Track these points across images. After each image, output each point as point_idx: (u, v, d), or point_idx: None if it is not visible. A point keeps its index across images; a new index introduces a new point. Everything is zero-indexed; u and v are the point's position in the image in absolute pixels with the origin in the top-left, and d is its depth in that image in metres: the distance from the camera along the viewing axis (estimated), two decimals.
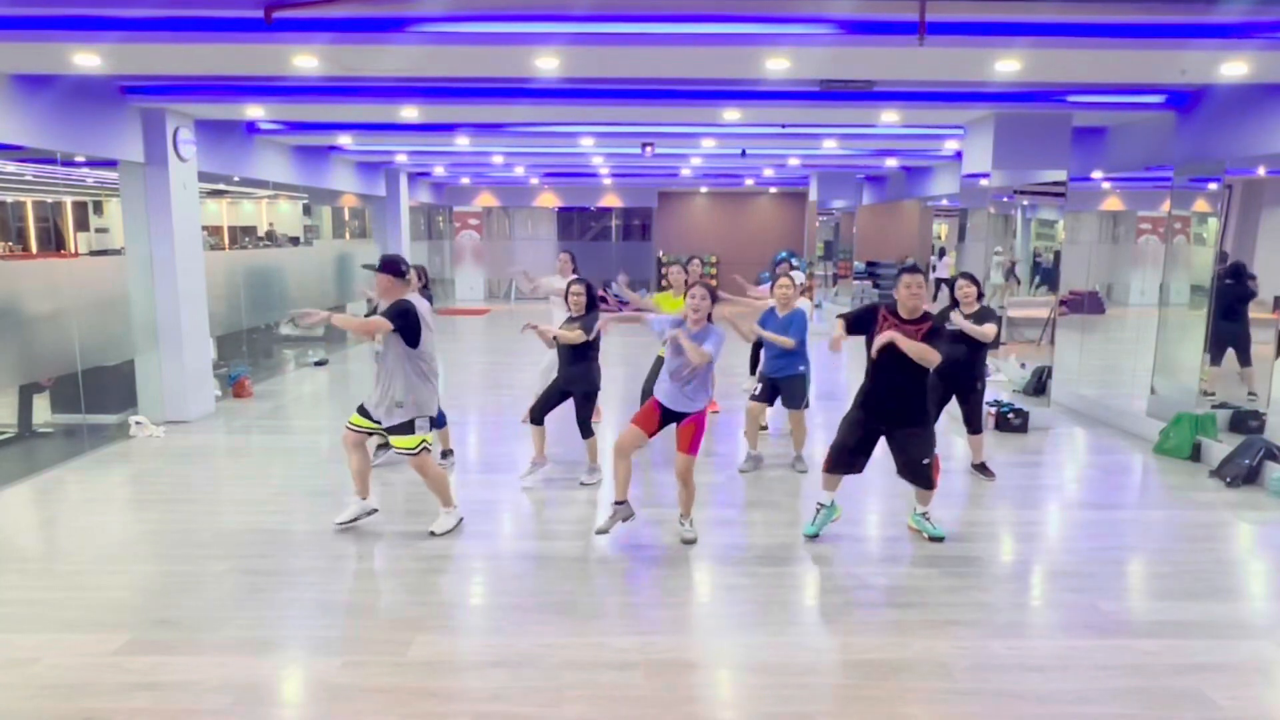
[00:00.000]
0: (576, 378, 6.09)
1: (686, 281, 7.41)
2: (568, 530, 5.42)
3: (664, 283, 7.78)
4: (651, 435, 5.08)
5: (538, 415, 6.19)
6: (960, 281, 6.41)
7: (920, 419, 5.01)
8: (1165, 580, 4.71)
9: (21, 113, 6.37)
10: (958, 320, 6.15)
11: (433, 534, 5.20)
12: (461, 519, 5.38)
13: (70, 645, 3.89)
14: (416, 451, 5.09)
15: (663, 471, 6.48)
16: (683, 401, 4.96)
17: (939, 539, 5.15)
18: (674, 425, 5.03)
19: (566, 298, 6.18)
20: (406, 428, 5.04)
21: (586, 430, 6.22)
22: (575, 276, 6.48)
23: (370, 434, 5.23)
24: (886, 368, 4.85)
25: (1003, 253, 8.56)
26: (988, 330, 6.08)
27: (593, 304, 6.06)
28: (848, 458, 5.08)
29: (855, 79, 6.48)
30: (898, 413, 4.96)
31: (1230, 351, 7.33)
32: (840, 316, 5.04)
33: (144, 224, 7.92)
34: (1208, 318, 7.09)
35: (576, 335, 5.93)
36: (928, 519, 5.21)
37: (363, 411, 5.17)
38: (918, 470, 5.02)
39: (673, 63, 5.93)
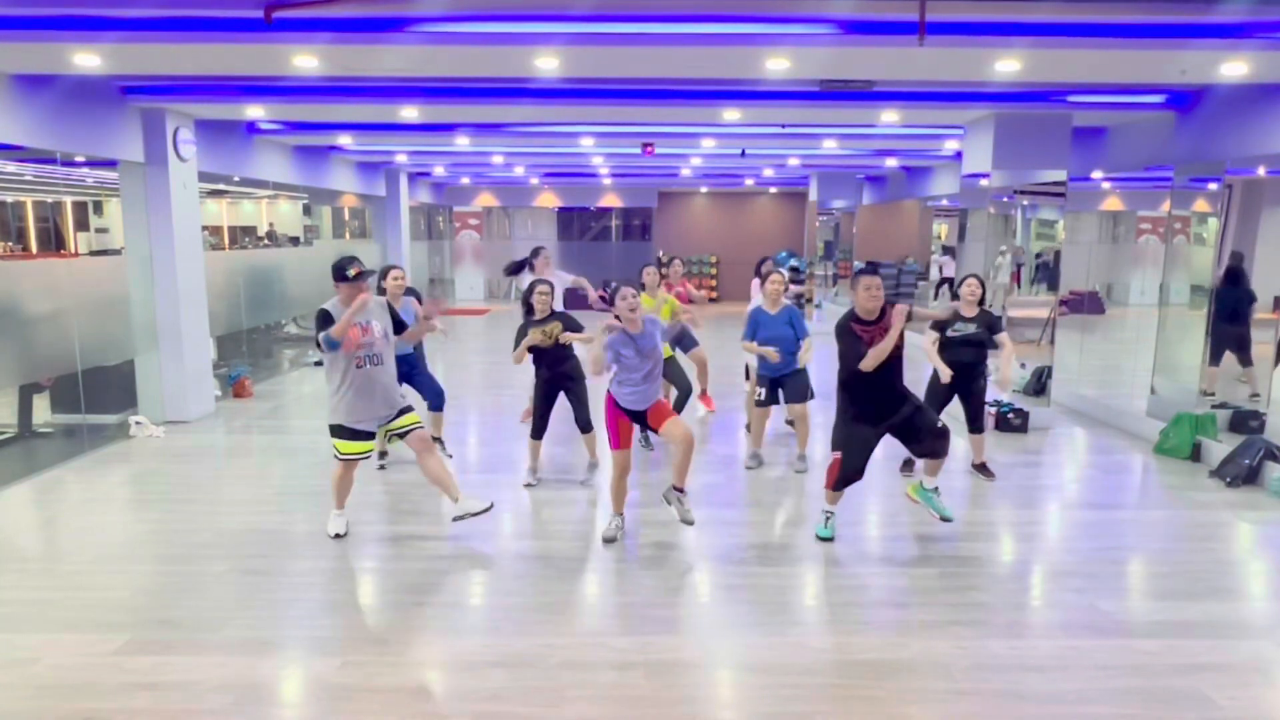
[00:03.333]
0: (570, 372, 6.07)
1: (662, 281, 7.38)
2: (568, 530, 5.42)
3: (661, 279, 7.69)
4: (631, 446, 5.13)
5: (541, 430, 6.14)
6: (970, 280, 6.38)
7: (909, 394, 5.00)
8: (1165, 580, 4.71)
9: (21, 113, 6.37)
10: (941, 368, 6.10)
11: (491, 507, 5.13)
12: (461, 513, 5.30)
13: (70, 645, 3.89)
14: (422, 425, 5.20)
15: (660, 471, 6.47)
16: (648, 397, 4.98)
17: (948, 519, 5.12)
18: (644, 420, 5.07)
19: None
20: (409, 407, 5.16)
21: (590, 424, 6.18)
22: (537, 277, 6.43)
23: (366, 454, 5.20)
24: (878, 378, 4.81)
25: (1007, 251, 8.54)
26: (1007, 355, 6.12)
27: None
28: (859, 476, 5.04)
29: (855, 79, 6.47)
30: (895, 402, 4.93)
31: (1229, 353, 7.32)
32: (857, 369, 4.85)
33: (144, 224, 7.91)
34: (1208, 318, 7.09)
35: (589, 339, 5.94)
36: (938, 494, 5.17)
37: (370, 434, 5.09)
38: (938, 436, 4.95)
39: (673, 63, 5.93)
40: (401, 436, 5.15)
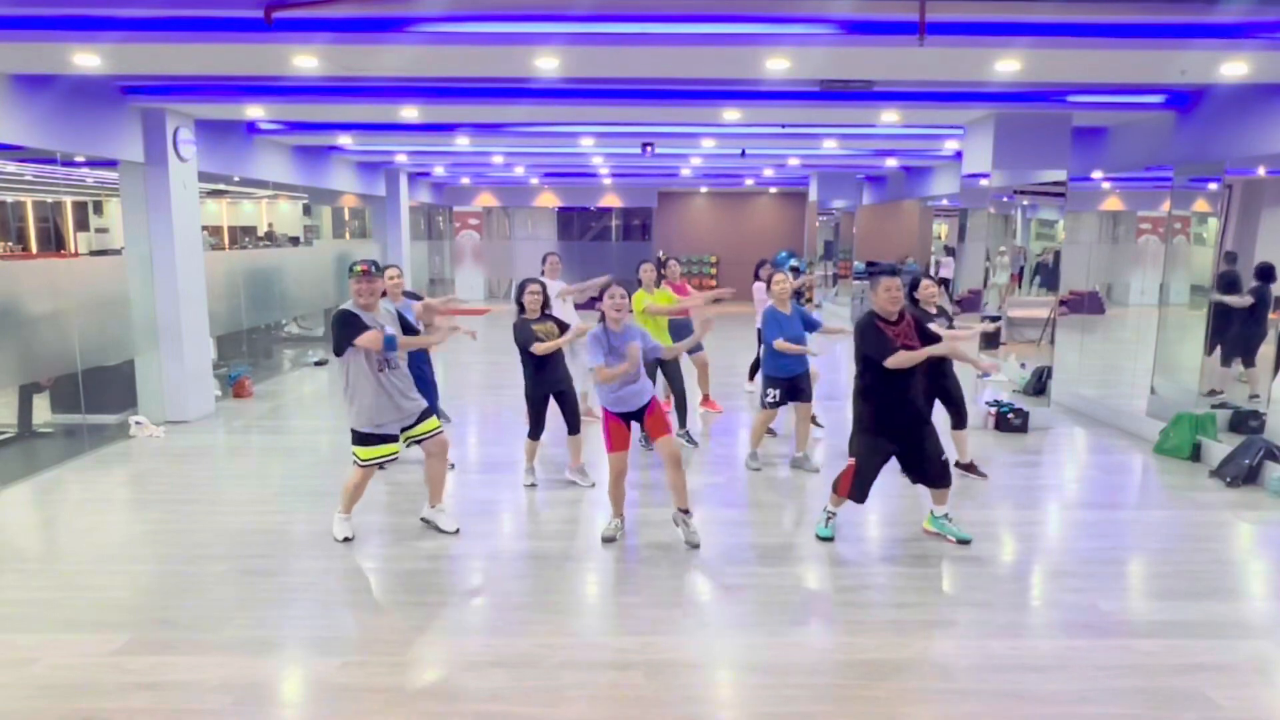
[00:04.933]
0: (563, 376, 6.13)
1: (660, 279, 7.43)
2: (567, 530, 5.42)
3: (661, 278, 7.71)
4: (629, 448, 5.14)
5: (538, 431, 6.16)
6: (926, 282, 6.33)
7: (928, 416, 5.07)
8: (1165, 580, 4.71)
9: (21, 113, 6.37)
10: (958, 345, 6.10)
11: (458, 531, 5.30)
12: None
13: (70, 645, 3.89)
14: (442, 429, 5.30)
15: (659, 470, 6.46)
16: (637, 397, 5.04)
17: (966, 541, 5.11)
18: (641, 420, 5.12)
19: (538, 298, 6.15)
20: (429, 411, 5.23)
21: (578, 426, 6.21)
22: (531, 277, 6.45)
23: (389, 456, 5.24)
24: (899, 379, 4.82)
25: (1006, 251, 8.55)
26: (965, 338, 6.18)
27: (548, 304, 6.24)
28: (868, 491, 5.04)
29: (855, 79, 6.47)
30: (914, 419, 4.95)
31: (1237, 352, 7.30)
32: (889, 359, 4.78)
33: (144, 224, 7.92)
34: (1208, 317, 7.09)
35: (578, 333, 6.01)
36: (950, 521, 5.19)
37: (393, 437, 5.10)
38: (940, 468, 4.98)
39: (673, 63, 5.93)
40: (419, 442, 5.20)
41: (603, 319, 5.04)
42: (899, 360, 4.68)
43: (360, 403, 4.93)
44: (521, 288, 6.08)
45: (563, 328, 6.13)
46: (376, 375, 4.90)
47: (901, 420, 4.92)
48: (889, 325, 4.83)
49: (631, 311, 5.17)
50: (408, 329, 5.30)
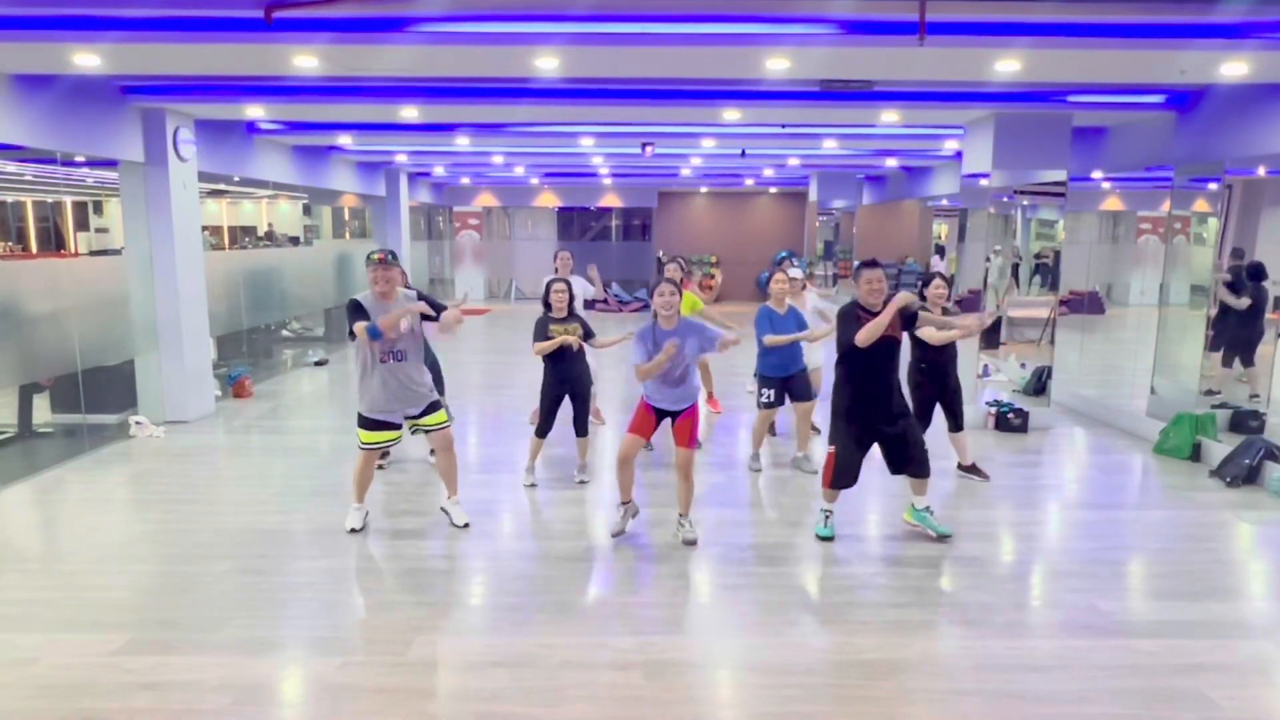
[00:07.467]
0: (580, 376, 6.14)
1: (682, 280, 7.44)
2: (567, 530, 5.42)
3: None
4: (648, 438, 5.13)
5: (546, 429, 6.16)
6: (937, 281, 6.32)
7: (907, 406, 5.09)
8: (1165, 580, 4.71)
9: (21, 113, 6.37)
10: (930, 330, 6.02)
11: (467, 525, 5.34)
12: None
13: (70, 645, 3.89)
14: (449, 424, 5.34)
15: (661, 471, 6.47)
16: (678, 399, 4.99)
17: (946, 536, 5.13)
18: (668, 422, 5.06)
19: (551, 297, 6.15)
20: (437, 404, 5.29)
21: (586, 428, 6.25)
22: (555, 276, 6.45)
23: (388, 443, 5.31)
24: (876, 366, 4.85)
25: (1001, 251, 8.55)
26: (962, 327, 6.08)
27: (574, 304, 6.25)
28: (854, 477, 5.07)
29: (855, 79, 6.47)
30: (892, 407, 4.96)
31: (1235, 352, 7.30)
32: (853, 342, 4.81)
33: (144, 224, 7.91)
34: (1207, 317, 7.09)
35: (614, 340, 6.08)
36: (932, 514, 5.19)
37: (394, 425, 5.17)
38: (921, 458, 5.01)
39: (673, 63, 5.93)
40: (426, 433, 5.32)
41: (655, 316, 4.99)
42: (865, 335, 4.69)
43: (365, 389, 5.11)
44: (548, 288, 6.12)
45: (586, 329, 6.10)
46: (380, 364, 5.05)
47: (880, 409, 4.94)
48: (870, 315, 4.84)
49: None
50: (432, 308, 5.32)
